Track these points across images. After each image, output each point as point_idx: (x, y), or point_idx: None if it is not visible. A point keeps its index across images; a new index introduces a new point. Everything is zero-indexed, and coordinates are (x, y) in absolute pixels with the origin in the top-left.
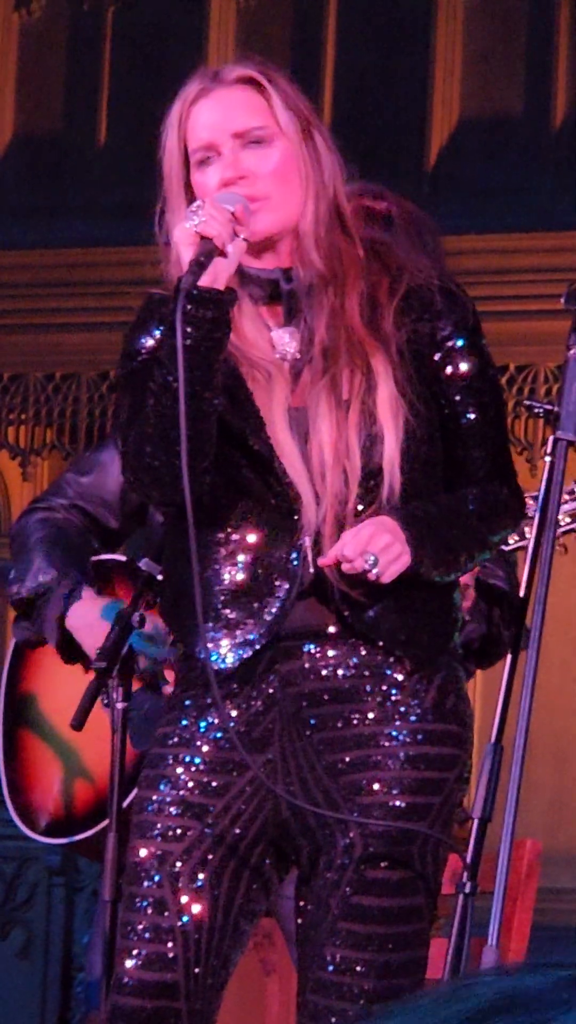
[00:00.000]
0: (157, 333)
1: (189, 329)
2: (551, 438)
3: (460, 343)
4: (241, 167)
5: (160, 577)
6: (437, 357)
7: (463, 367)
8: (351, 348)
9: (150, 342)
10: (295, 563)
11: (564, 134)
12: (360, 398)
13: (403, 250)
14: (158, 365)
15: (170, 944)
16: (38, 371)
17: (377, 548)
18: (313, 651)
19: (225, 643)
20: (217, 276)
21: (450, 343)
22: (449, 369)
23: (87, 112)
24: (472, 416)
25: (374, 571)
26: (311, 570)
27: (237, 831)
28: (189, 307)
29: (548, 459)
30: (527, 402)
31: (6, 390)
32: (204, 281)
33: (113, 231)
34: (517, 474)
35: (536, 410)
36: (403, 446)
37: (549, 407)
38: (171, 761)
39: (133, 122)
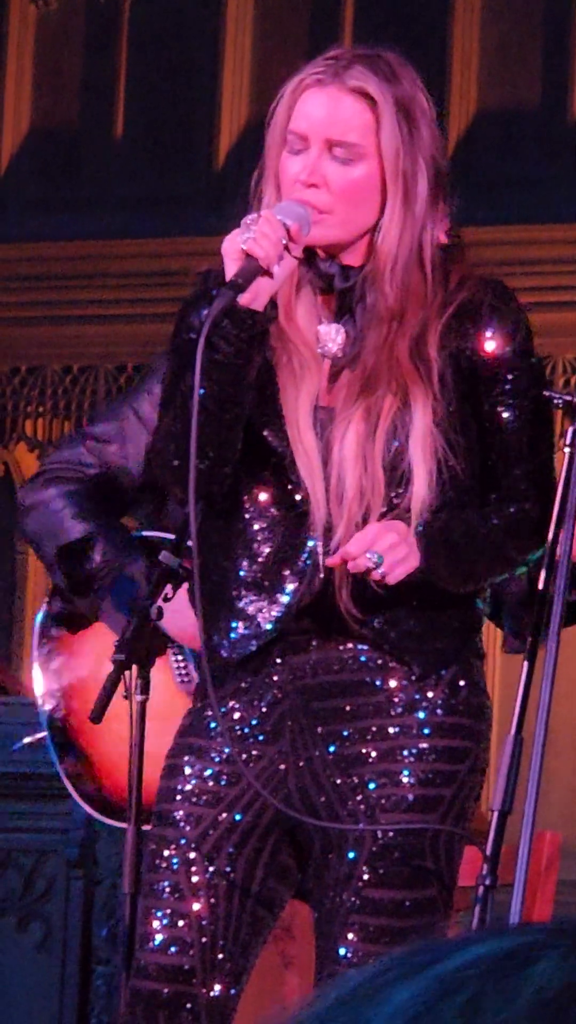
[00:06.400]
0: (204, 313)
1: (222, 344)
2: (570, 429)
3: (505, 357)
4: (318, 174)
5: (177, 569)
6: (482, 372)
7: (507, 383)
8: (391, 375)
9: (198, 322)
10: (306, 563)
11: None
12: (392, 427)
13: None
14: (192, 372)
15: (186, 929)
16: (55, 363)
17: (382, 547)
18: (321, 645)
19: (236, 634)
20: (258, 295)
21: (495, 358)
22: (493, 384)
23: (104, 105)
24: (514, 433)
25: (379, 570)
26: (320, 574)
27: (250, 819)
28: (225, 323)
29: (568, 451)
30: (546, 394)
31: (24, 382)
32: (244, 299)
33: (129, 223)
34: (556, 494)
35: (556, 402)
36: (433, 479)
37: (568, 398)
38: (189, 751)
39: (150, 114)
